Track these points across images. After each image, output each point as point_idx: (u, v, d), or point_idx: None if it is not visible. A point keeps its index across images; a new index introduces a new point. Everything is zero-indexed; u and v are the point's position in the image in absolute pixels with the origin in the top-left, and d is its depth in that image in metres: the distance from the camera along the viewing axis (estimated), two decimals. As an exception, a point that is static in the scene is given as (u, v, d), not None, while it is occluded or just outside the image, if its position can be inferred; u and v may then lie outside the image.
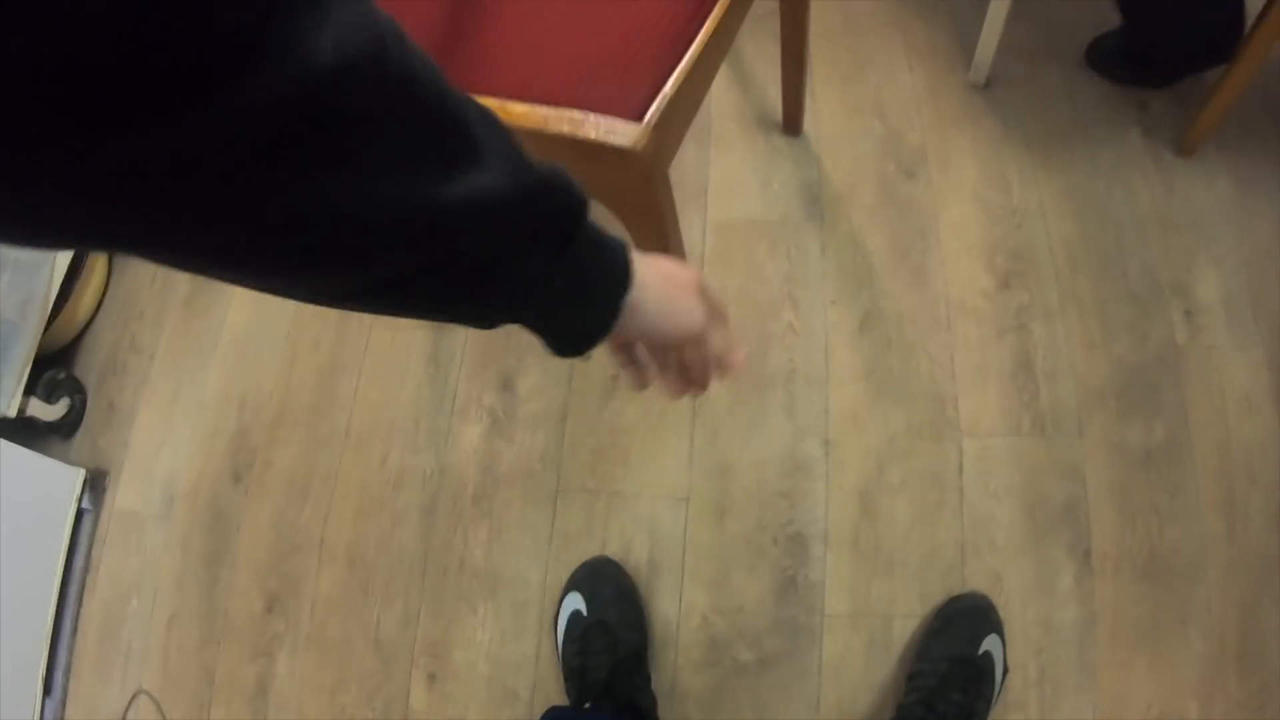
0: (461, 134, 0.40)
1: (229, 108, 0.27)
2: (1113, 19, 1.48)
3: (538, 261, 0.47)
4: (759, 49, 1.67)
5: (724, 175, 1.54)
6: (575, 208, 0.49)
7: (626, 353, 0.65)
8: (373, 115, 0.34)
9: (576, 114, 0.80)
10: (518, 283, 0.47)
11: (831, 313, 1.39)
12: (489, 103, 0.82)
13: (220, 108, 0.27)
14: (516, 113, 0.82)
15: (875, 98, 1.59)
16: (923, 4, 1.70)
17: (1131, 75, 1.52)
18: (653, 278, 0.56)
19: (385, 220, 0.36)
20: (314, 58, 0.29)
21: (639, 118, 0.79)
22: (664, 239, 0.92)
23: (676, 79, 0.82)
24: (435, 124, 0.38)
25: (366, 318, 1.54)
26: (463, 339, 1.48)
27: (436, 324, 1.49)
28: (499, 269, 0.45)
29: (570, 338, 0.54)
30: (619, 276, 0.53)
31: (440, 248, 0.40)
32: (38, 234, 0.29)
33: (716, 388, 1.35)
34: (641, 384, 0.66)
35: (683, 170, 1.55)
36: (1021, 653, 1.16)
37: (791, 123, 1.55)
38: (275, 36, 0.27)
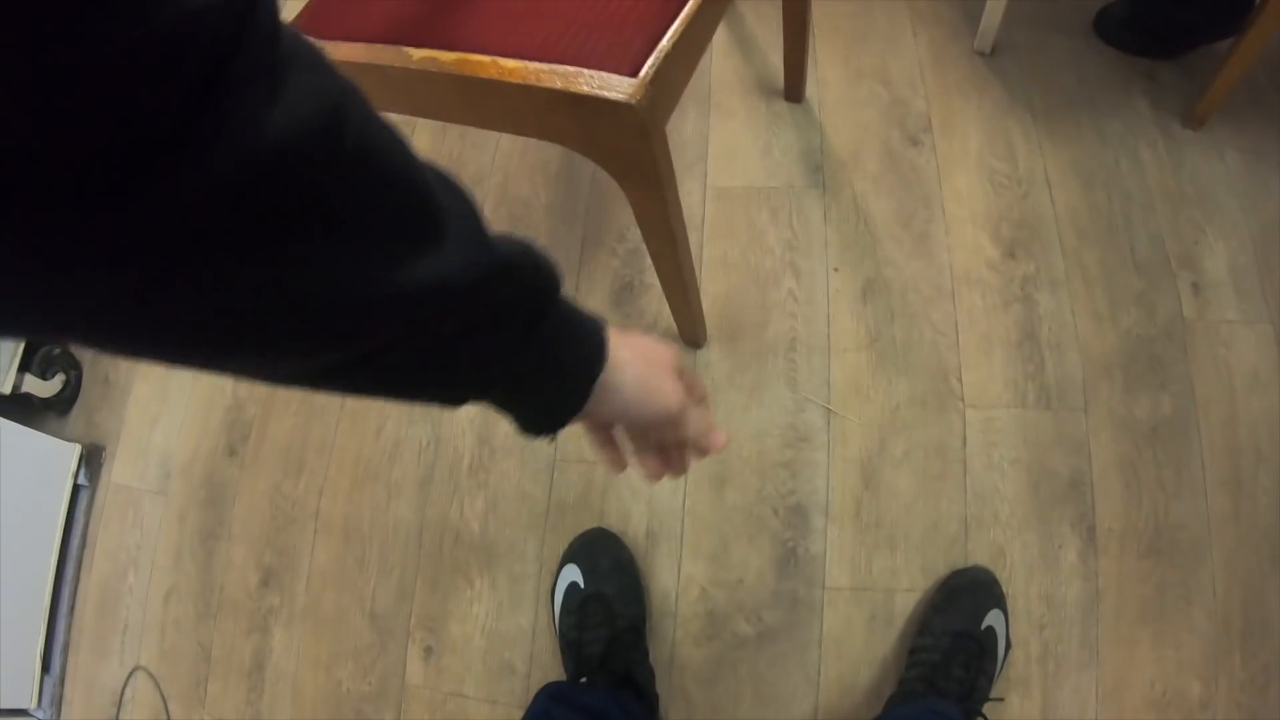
0: (423, 210, 0.38)
1: (166, 191, 0.26)
2: (1121, -13, 1.46)
3: (502, 345, 0.46)
4: (760, 14, 1.65)
5: (724, 142, 1.52)
6: (542, 289, 0.48)
7: (603, 433, 0.63)
8: (327, 192, 0.32)
9: (570, 69, 0.78)
10: (480, 366, 0.46)
11: (834, 281, 1.37)
12: (480, 59, 0.81)
13: (156, 191, 0.25)
14: (508, 68, 0.80)
15: (879, 64, 1.56)
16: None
17: (1139, 46, 1.50)
18: (629, 357, 0.55)
19: (339, 303, 0.35)
20: (261, 135, 0.28)
21: (635, 73, 0.77)
22: (662, 200, 0.90)
23: (674, 33, 0.80)
24: (395, 200, 0.36)
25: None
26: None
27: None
28: (460, 353, 0.44)
29: (537, 419, 0.53)
30: (590, 358, 0.52)
31: (396, 332, 0.39)
32: None
33: (717, 354, 1.34)
34: (619, 467, 0.64)
35: (683, 137, 1.52)
36: (1024, 628, 1.14)
37: (793, 89, 1.52)
38: (217, 114, 0.26)
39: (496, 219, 1.54)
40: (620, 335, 0.55)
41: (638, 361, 0.56)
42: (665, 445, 0.63)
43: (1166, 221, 1.35)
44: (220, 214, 0.28)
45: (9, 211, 0.23)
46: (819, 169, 1.47)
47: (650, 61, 0.78)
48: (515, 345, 0.46)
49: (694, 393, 0.63)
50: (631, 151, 0.83)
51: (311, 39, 0.33)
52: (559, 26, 0.83)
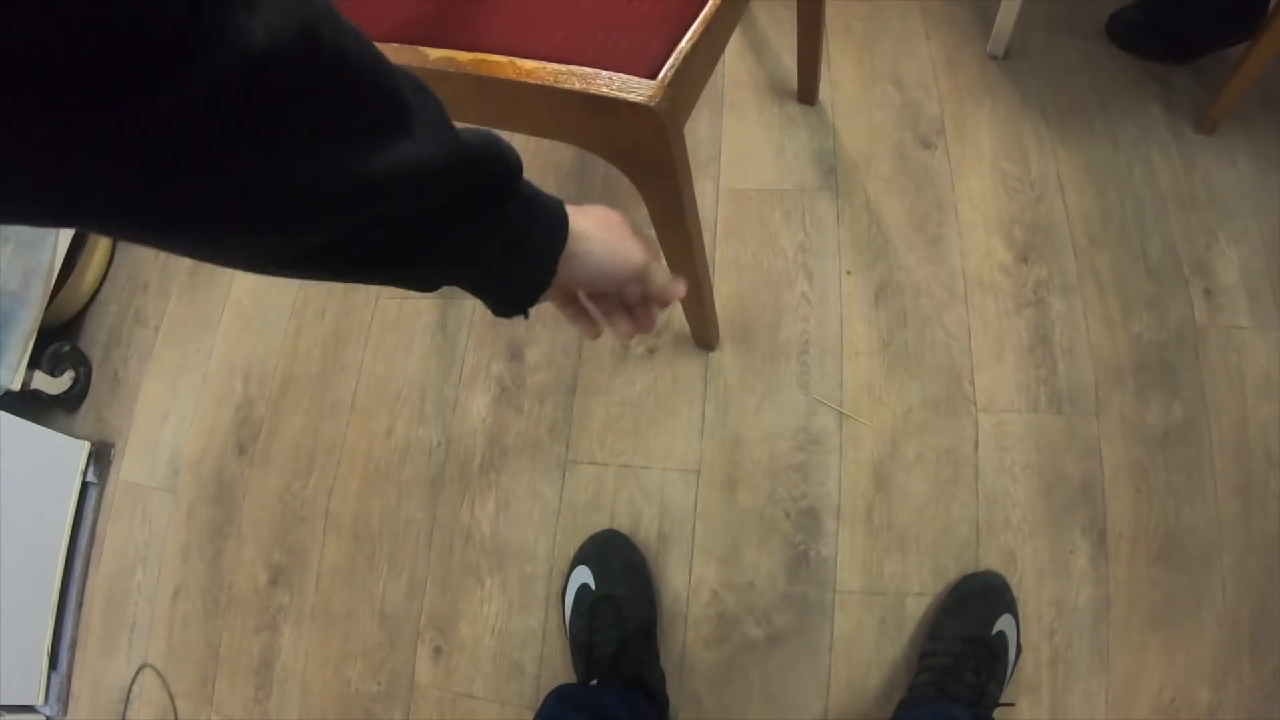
0: (393, 106, 0.42)
1: (170, 96, 0.29)
2: (1134, -9, 1.45)
3: (471, 227, 0.50)
4: (773, 16, 1.64)
5: (738, 143, 1.52)
6: (506, 175, 0.52)
7: (573, 306, 0.68)
8: (305, 92, 0.36)
9: (589, 70, 0.78)
10: (453, 247, 0.50)
11: (847, 283, 1.36)
12: (498, 59, 0.81)
13: (162, 97, 0.28)
14: (526, 69, 0.79)
15: (892, 67, 1.56)
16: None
17: (1152, 50, 1.49)
18: (590, 225, 0.60)
19: (319, 188, 0.38)
20: (246, 43, 0.31)
21: (654, 74, 0.77)
22: (679, 202, 0.89)
23: (693, 34, 0.80)
24: (367, 98, 0.40)
25: (372, 286, 1.52)
26: (471, 308, 1.46)
27: (443, 294, 1.48)
28: (433, 234, 0.48)
29: (509, 297, 0.58)
30: (554, 234, 0.57)
31: (372, 213, 0.42)
32: (19, 210, 0.31)
33: (729, 357, 1.34)
34: (594, 331, 0.69)
35: (696, 138, 1.52)
36: (1035, 633, 1.14)
37: (807, 90, 1.52)
38: (207, 26, 0.29)
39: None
40: (577, 208, 0.60)
41: (600, 228, 0.61)
42: (630, 304, 0.67)
43: (1179, 226, 1.35)
44: (213, 114, 0.31)
45: (30, 111, 0.26)
46: (832, 171, 1.46)
47: (669, 63, 0.78)
48: (486, 224, 0.51)
49: (650, 249, 0.67)
50: (650, 153, 0.82)
51: None
52: (577, 27, 0.82)
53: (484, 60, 0.82)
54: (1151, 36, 1.48)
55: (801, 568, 1.21)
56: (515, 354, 1.41)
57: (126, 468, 1.51)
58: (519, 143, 0.58)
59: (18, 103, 0.25)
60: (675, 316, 1.37)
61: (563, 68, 0.79)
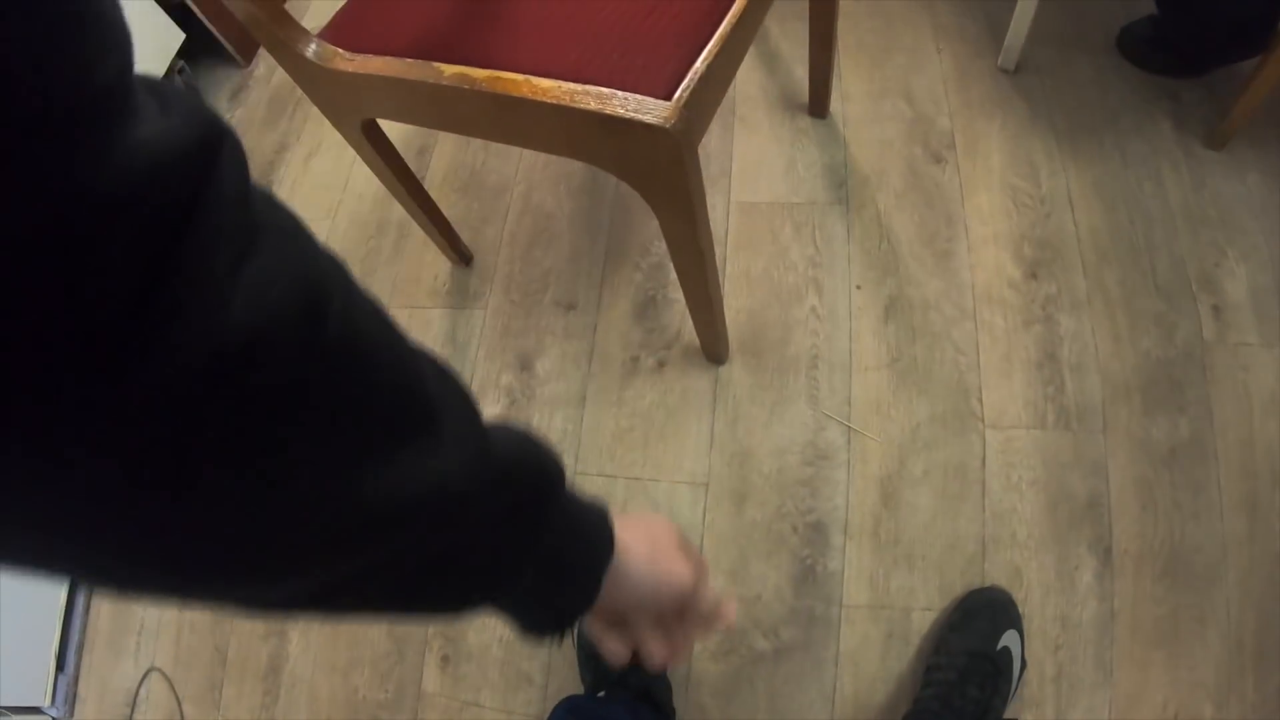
0: (416, 406, 0.34)
1: (117, 395, 0.22)
2: (1145, 6, 1.45)
3: (505, 552, 0.42)
4: (785, 29, 1.65)
5: (748, 156, 1.53)
6: (546, 489, 0.45)
7: (602, 620, 0.58)
8: (306, 389, 0.28)
9: (604, 90, 0.78)
10: (483, 576, 0.42)
11: (856, 298, 1.37)
12: (513, 78, 0.82)
13: (107, 395, 0.22)
14: (542, 88, 0.80)
15: (903, 80, 1.56)
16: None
17: (1163, 64, 1.50)
18: (634, 540, 0.52)
19: (322, 516, 0.30)
20: (226, 323, 0.24)
21: (669, 95, 0.78)
22: (692, 220, 0.90)
23: (707, 55, 0.80)
24: (383, 398, 0.32)
25: (383, 295, 1.53)
26: (481, 317, 1.47)
27: (453, 303, 1.48)
28: (460, 565, 0.40)
29: (547, 620, 0.50)
30: (598, 554, 0.49)
31: (389, 546, 0.34)
32: None
33: (738, 370, 1.34)
34: (621, 658, 0.58)
35: (707, 151, 1.53)
36: (1039, 649, 1.14)
37: (818, 104, 1.53)
38: (167, 299, 0.22)
39: (520, 230, 1.55)
40: (623, 518, 0.52)
41: (644, 544, 0.53)
42: (670, 626, 0.58)
43: (1188, 243, 1.35)
44: (181, 417, 0.23)
45: None
46: (843, 185, 1.47)
47: (685, 84, 0.78)
48: (520, 551, 0.43)
49: (700, 566, 0.59)
50: (664, 173, 0.83)
51: (289, 210, 0.30)
52: (593, 46, 0.83)
53: (499, 78, 0.82)
54: (1162, 51, 1.48)
55: (808, 582, 1.21)
56: (525, 365, 1.42)
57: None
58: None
59: None
60: (685, 329, 1.37)
61: (578, 87, 0.79)
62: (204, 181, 0.23)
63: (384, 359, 0.32)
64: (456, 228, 1.47)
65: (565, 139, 0.85)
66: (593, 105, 0.78)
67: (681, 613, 0.58)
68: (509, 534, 0.42)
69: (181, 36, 1.86)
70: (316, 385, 0.28)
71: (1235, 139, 1.41)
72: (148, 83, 0.24)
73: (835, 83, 1.54)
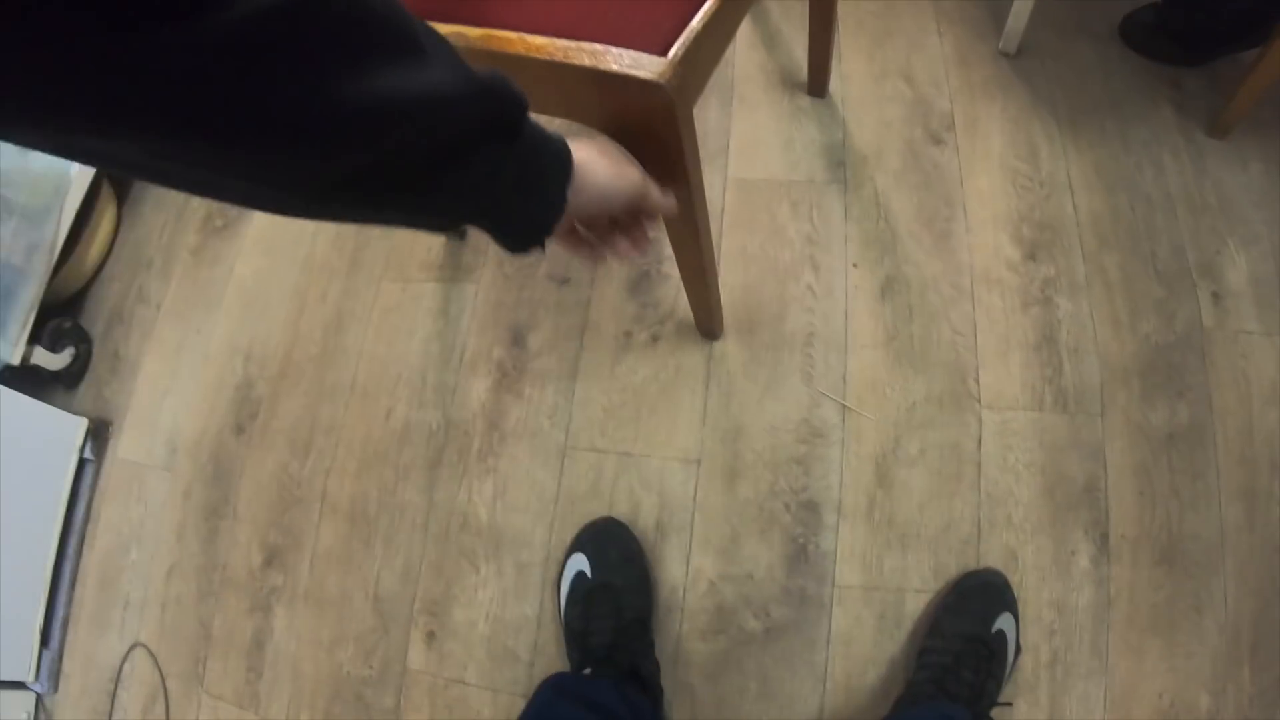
0: (410, 38, 0.44)
1: (220, 19, 0.32)
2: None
3: (487, 156, 0.52)
4: (785, 8, 1.64)
5: (746, 134, 1.52)
6: (518, 106, 0.54)
7: (572, 236, 0.72)
8: (336, 19, 0.38)
9: (598, 47, 0.77)
10: (470, 177, 0.51)
11: (853, 276, 1.36)
12: (507, 35, 0.80)
13: (212, 20, 0.31)
14: (535, 45, 0.79)
15: (903, 62, 1.55)
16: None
17: (1166, 52, 1.49)
18: (590, 154, 0.64)
19: (350, 109, 0.40)
20: None
21: (664, 52, 0.76)
22: (686, 184, 0.89)
23: (705, 13, 0.79)
24: (389, 28, 0.42)
25: (375, 268, 1.51)
26: (474, 291, 1.45)
27: (446, 276, 1.47)
28: (451, 163, 0.49)
29: (525, 230, 0.60)
30: (562, 164, 0.60)
31: (396, 137, 0.44)
32: (66, 128, 0.33)
33: (733, 347, 1.33)
34: (599, 256, 0.74)
35: (705, 128, 1.51)
36: (1034, 633, 1.13)
37: (817, 84, 1.52)
38: None
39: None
40: (575, 140, 0.62)
41: (600, 156, 0.65)
42: (626, 226, 0.72)
43: (1188, 230, 1.34)
44: (262, 36, 0.34)
45: (109, 30, 0.29)
46: (841, 164, 1.46)
47: (680, 41, 0.77)
48: (499, 155, 0.52)
49: (643, 170, 0.72)
50: (659, 133, 0.81)
51: None
52: (587, 3, 0.82)
53: (492, 36, 0.81)
54: (1165, 39, 1.47)
55: (801, 561, 1.20)
56: (517, 339, 1.40)
57: (124, 446, 1.50)
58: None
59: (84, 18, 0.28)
60: (679, 305, 1.36)
61: (572, 44, 0.78)
62: None
63: (385, 5, 0.41)
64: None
65: (560, 97, 0.84)
66: (587, 61, 0.76)
67: (635, 212, 0.72)
68: (490, 136, 0.51)
69: None
70: (342, 17, 0.38)
71: (1237, 128, 1.41)
72: None
73: (835, 63, 1.53)
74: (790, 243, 1.40)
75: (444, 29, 0.83)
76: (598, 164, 0.64)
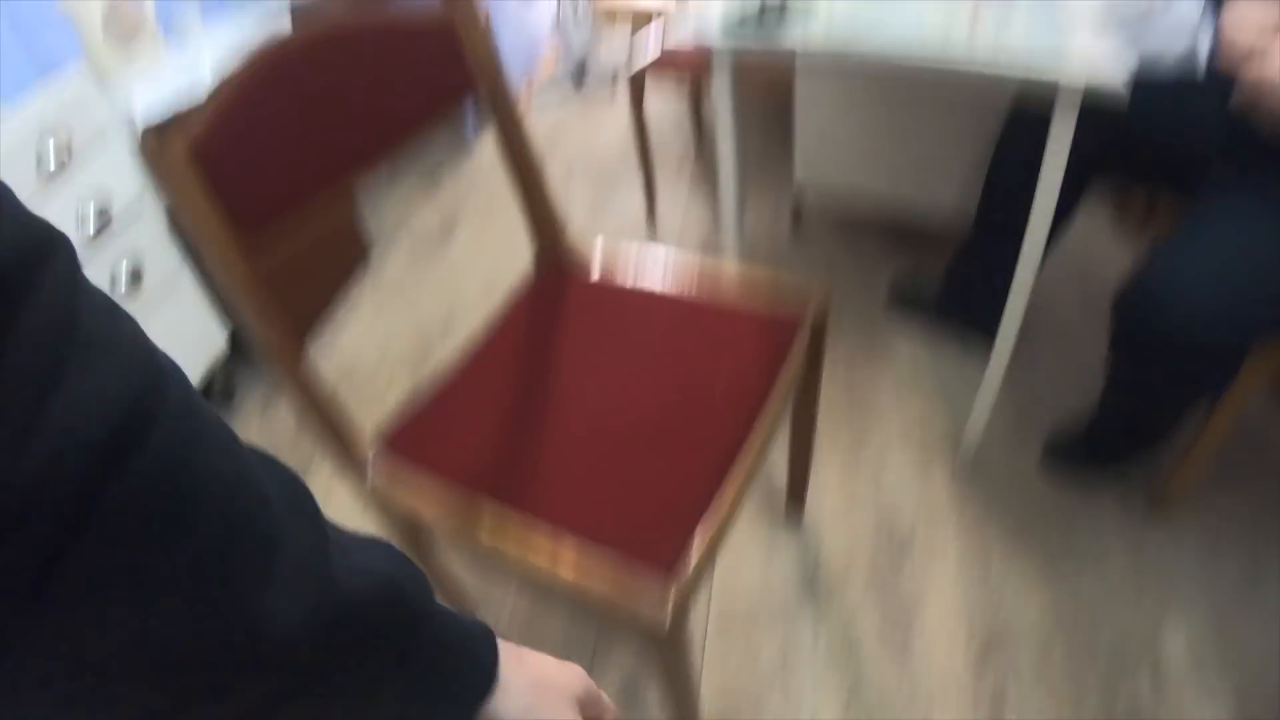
0: (249, 539, 0.32)
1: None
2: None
3: (360, 688, 0.38)
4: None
5: (729, 557, 1.64)
6: (408, 618, 0.41)
7: None
8: (107, 522, 0.26)
9: (614, 575, 0.90)
10: (344, 707, 0.38)
11: (819, 694, 1.42)
12: (540, 544, 0.95)
13: None
14: (563, 560, 0.93)
15: (872, 476, 1.72)
16: (922, 382, 1.89)
17: (1091, 470, 1.67)
18: (519, 683, 0.47)
19: (141, 657, 0.29)
20: (35, 445, 0.24)
21: (670, 566, 0.89)
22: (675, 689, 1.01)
23: (701, 545, 0.93)
24: (209, 528, 0.30)
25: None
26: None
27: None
28: (310, 705, 0.36)
29: None
30: (473, 685, 0.45)
31: (229, 688, 0.32)
32: None
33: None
34: None
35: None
36: None
37: (795, 501, 1.67)
38: None
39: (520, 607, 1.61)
40: (515, 653, 0.48)
41: (529, 689, 0.47)
42: None
43: (1130, 612, 1.44)
44: None
45: None
46: (813, 583, 1.57)
47: (674, 590, 0.89)
48: (376, 687, 0.39)
49: None
50: (655, 649, 0.95)
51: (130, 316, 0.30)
52: (610, 511, 0.97)
53: (530, 544, 0.95)
54: (1091, 462, 1.66)
55: None
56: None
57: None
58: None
59: None
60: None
61: (593, 556, 0.92)
62: (18, 305, 0.24)
63: (214, 486, 0.30)
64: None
65: (570, 599, 0.96)
66: (601, 590, 0.90)
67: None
68: (366, 664, 0.38)
69: (225, 332, 2.03)
70: (120, 518, 0.26)
71: (1176, 507, 1.57)
72: None
73: (811, 478, 1.66)
74: (762, 671, 1.46)
75: (489, 523, 0.98)
76: (519, 698, 0.46)
